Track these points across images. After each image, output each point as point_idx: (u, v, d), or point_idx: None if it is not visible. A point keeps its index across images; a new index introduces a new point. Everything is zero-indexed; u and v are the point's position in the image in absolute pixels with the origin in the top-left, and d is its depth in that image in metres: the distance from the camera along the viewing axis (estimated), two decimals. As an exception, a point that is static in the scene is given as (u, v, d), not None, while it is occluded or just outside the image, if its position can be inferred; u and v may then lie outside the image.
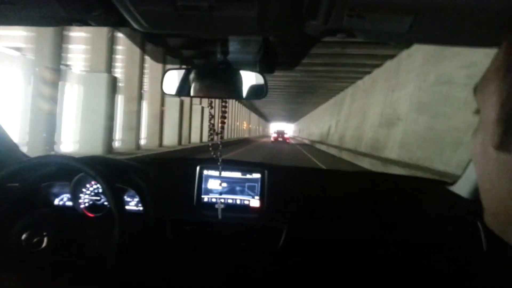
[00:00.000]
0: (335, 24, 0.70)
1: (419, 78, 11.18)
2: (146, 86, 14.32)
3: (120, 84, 10.72)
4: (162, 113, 14.09)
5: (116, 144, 12.63)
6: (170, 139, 14.92)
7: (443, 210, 1.31)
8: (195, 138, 18.83)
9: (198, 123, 19.35)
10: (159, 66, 13.55)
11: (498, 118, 0.31)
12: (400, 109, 12.67)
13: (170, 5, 0.63)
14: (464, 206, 1.30)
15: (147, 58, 12.73)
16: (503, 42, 0.34)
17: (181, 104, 15.62)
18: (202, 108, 19.32)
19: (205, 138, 19.49)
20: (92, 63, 9.79)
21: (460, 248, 1.23)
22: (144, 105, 13.57)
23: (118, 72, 11.67)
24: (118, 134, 12.66)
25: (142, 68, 12.54)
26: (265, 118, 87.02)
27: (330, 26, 0.71)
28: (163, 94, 12.44)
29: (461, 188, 1.35)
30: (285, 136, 35.44)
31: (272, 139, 35.40)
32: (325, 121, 33.84)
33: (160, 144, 13.83)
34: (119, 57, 12.31)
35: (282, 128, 45.25)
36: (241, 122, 44.43)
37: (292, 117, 77.96)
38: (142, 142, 14.31)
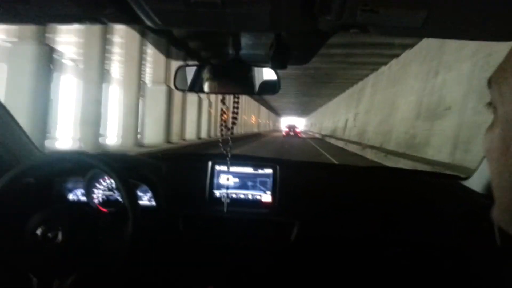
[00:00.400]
0: (349, 19, 0.69)
1: (478, 53, 8.45)
2: (119, 69, 12.66)
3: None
4: (137, 103, 11.62)
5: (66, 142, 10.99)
6: (155, 135, 12.61)
7: (457, 205, 1.29)
8: (191, 134, 16.65)
9: (194, 116, 16.94)
10: (135, 43, 11.39)
11: None
12: (451, 96, 9.82)
13: (183, 2, 0.63)
14: (478, 201, 1.28)
15: (119, 30, 11.13)
16: None
17: (169, 93, 12.92)
18: (200, 99, 17.12)
19: (203, 133, 18.48)
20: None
21: (474, 243, 1.22)
22: (119, 93, 11.89)
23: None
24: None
25: (104, 40, 9.48)
26: (276, 112, 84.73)
27: (343, 21, 0.71)
28: (139, 81, 11.47)
29: (475, 183, 1.33)
30: (297, 130, 37.19)
31: (283, 133, 37.70)
32: (340, 114, 32.17)
33: (138, 143, 11.41)
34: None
35: (293, 122, 48.49)
36: (249, 116, 42.44)
37: (304, 111, 76.04)
38: (112, 139, 13.03)
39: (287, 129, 37.01)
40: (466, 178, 1.41)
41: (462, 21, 0.69)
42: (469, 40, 0.84)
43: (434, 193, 1.37)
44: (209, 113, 19.40)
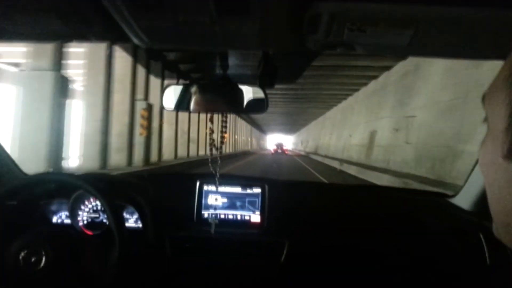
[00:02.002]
0: (336, 38, 0.70)
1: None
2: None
3: None
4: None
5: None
6: (119, 156, 10.85)
7: (445, 223, 1.30)
8: (169, 153, 15.44)
9: (172, 132, 15.60)
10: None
11: (507, 127, 0.31)
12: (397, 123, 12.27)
13: (171, 20, 0.63)
14: (466, 218, 1.29)
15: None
16: (510, 53, 0.33)
17: (131, 106, 11.26)
18: (177, 114, 15.10)
19: (182, 152, 17.02)
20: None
21: (463, 261, 1.22)
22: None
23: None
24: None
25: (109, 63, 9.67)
26: (261, 129, 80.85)
27: (330, 40, 0.71)
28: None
29: (463, 201, 1.35)
30: (284, 148, 42.28)
31: (272, 150, 42.84)
32: (318, 134, 32.63)
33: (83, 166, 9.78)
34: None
35: (281, 140, 53.89)
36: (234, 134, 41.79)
37: (291, 129, 74.75)
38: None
39: (275, 147, 41.89)
40: (453, 196, 1.42)
41: (449, 39, 0.71)
42: (456, 58, 0.85)
43: (423, 211, 1.37)
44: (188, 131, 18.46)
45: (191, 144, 18.71)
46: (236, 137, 43.75)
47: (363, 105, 20.24)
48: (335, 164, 18.79)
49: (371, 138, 16.77)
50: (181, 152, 17.24)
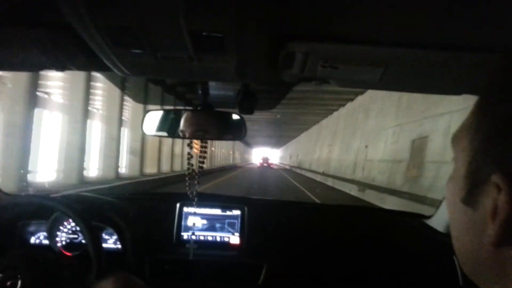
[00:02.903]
0: (310, 73, 0.73)
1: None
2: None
3: None
4: (119, 139, 11.19)
5: None
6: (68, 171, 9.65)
7: (420, 245, 1.32)
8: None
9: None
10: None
11: (465, 174, 0.33)
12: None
13: (151, 55, 0.65)
14: (440, 240, 1.32)
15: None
16: (476, 102, 0.34)
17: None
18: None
19: (151, 168, 15.33)
20: None
21: (437, 283, 1.24)
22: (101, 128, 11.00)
23: None
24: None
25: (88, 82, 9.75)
26: (246, 143, 77.04)
27: (305, 75, 0.74)
28: (120, 118, 11.10)
29: (438, 222, 1.38)
30: (269, 162, 44.43)
31: (258, 164, 45.00)
32: (301, 149, 31.03)
33: (118, 175, 10.25)
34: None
35: (267, 154, 55.82)
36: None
37: (277, 143, 73.16)
38: (94, 172, 11.78)
39: (261, 161, 44.27)
40: (429, 217, 1.46)
41: (416, 77, 0.75)
42: (425, 93, 0.90)
43: (399, 232, 1.40)
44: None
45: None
46: (213, 149, 36.22)
47: (388, 100, 13.42)
48: (355, 192, 12.96)
49: (417, 149, 10.11)
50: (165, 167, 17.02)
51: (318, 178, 21.76)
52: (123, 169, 13.36)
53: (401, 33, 0.59)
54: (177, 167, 18.20)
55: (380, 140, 13.44)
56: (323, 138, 28.15)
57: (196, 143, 1.16)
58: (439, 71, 0.70)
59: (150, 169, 14.51)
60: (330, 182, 18.05)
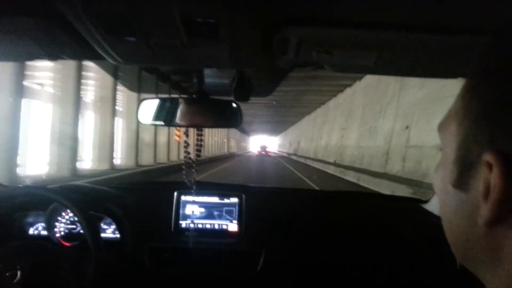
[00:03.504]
0: (305, 58, 0.73)
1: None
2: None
3: None
4: (113, 130, 11.29)
5: None
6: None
7: (417, 229, 1.34)
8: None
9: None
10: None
11: (455, 158, 0.33)
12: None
13: (144, 43, 0.64)
14: (437, 224, 1.33)
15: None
16: (463, 85, 0.34)
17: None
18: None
19: (147, 158, 14.84)
20: None
21: (435, 266, 1.26)
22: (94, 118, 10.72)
23: None
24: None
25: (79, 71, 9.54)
26: (243, 130, 73.35)
27: (300, 60, 0.74)
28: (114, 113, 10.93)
29: (435, 207, 1.39)
30: (267, 150, 46.93)
31: (256, 152, 47.32)
32: (297, 136, 29.91)
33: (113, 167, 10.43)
34: None
35: (264, 142, 58.49)
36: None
37: (275, 130, 71.20)
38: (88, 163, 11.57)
39: (259, 149, 46.62)
40: (426, 201, 1.47)
41: (410, 60, 0.75)
42: (420, 77, 0.90)
43: (396, 216, 1.41)
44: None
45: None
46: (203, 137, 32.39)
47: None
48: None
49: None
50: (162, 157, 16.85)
51: (331, 170, 16.98)
52: (118, 160, 13.29)
53: (395, 16, 0.59)
54: (174, 158, 18.06)
55: (435, 116, 8.49)
56: (331, 120, 23.47)
57: (178, 132, 1.16)
58: (434, 54, 0.70)
59: (146, 159, 14.43)
60: (351, 176, 13.22)
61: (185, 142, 1.08)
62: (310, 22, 0.61)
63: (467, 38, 0.61)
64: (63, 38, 0.68)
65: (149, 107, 1.08)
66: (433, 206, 1.41)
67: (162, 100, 1.08)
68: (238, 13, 0.57)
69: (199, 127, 1.07)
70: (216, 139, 43.00)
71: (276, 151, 65.90)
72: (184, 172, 1.16)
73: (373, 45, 0.66)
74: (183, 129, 1.14)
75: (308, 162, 24.97)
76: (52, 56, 0.76)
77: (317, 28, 0.62)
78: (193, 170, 1.16)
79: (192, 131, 1.12)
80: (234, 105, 1.04)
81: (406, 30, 0.61)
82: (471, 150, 0.31)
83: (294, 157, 31.61)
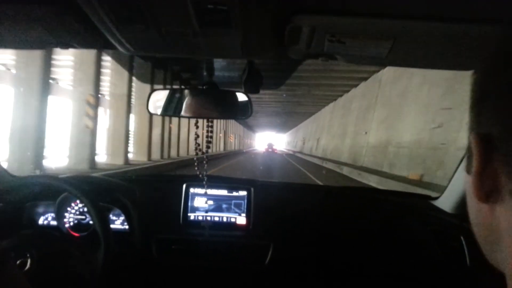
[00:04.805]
0: (317, 49, 0.72)
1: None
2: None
3: None
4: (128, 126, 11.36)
5: None
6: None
7: (427, 226, 1.32)
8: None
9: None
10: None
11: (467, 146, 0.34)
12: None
13: (155, 31, 0.64)
14: (447, 221, 1.32)
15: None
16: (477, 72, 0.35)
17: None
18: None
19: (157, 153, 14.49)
20: None
21: (444, 263, 1.24)
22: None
23: None
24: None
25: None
26: (248, 125, 69.61)
27: (312, 50, 0.73)
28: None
29: (445, 203, 1.37)
30: (274, 147, 49.63)
31: (263, 150, 49.85)
32: (304, 135, 29.68)
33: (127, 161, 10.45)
34: None
35: (271, 140, 61.09)
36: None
37: (283, 128, 70.12)
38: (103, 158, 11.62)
39: (266, 147, 49.37)
40: (436, 198, 1.45)
41: (425, 51, 0.73)
42: (433, 68, 0.88)
43: (406, 214, 1.39)
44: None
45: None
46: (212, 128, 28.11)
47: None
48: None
49: None
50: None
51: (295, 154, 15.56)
52: (130, 155, 13.40)
53: (411, 4, 0.58)
54: (183, 153, 18.11)
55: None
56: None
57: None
58: (450, 45, 0.68)
59: (156, 154, 14.51)
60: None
61: (196, 134, 1.08)
62: (323, 10, 0.60)
63: (485, 29, 0.59)
64: (75, 26, 0.68)
65: (159, 98, 1.08)
66: (442, 203, 1.39)
67: (172, 91, 1.08)
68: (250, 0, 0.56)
69: (209, 118, 1.07)
70: (219, 135, 37.08)
71: (284, 149, 64.04)
72: (195, 163, 1.16)
73: (387, 34, 0.65)
74: (198, 124, 1.13)
75: (289, 152, 26.03)
76: (63, 45, 0.77)
77: (330, 17, 0.61)
78: (204, 162, 1.16)
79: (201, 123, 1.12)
80: (244, 96, 1.04)
81: (423, 19, 0.59)
82: (469, 136, 0.33)
83: (309, 158, 25.40)
